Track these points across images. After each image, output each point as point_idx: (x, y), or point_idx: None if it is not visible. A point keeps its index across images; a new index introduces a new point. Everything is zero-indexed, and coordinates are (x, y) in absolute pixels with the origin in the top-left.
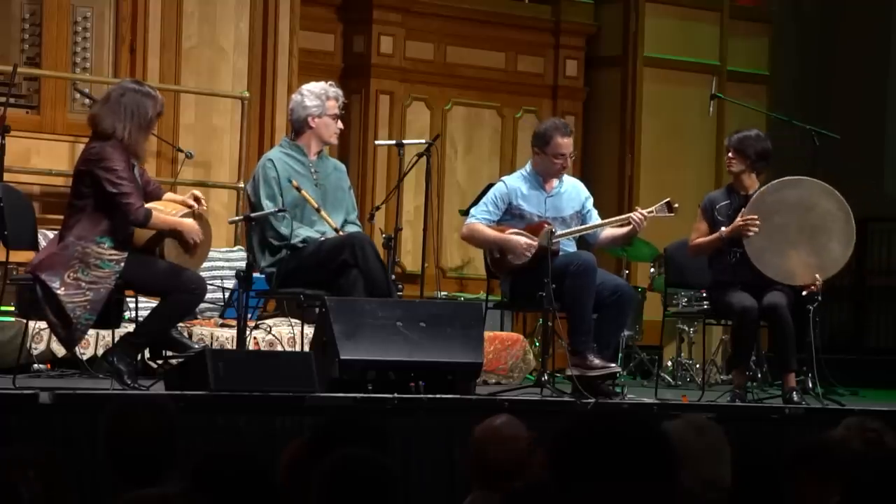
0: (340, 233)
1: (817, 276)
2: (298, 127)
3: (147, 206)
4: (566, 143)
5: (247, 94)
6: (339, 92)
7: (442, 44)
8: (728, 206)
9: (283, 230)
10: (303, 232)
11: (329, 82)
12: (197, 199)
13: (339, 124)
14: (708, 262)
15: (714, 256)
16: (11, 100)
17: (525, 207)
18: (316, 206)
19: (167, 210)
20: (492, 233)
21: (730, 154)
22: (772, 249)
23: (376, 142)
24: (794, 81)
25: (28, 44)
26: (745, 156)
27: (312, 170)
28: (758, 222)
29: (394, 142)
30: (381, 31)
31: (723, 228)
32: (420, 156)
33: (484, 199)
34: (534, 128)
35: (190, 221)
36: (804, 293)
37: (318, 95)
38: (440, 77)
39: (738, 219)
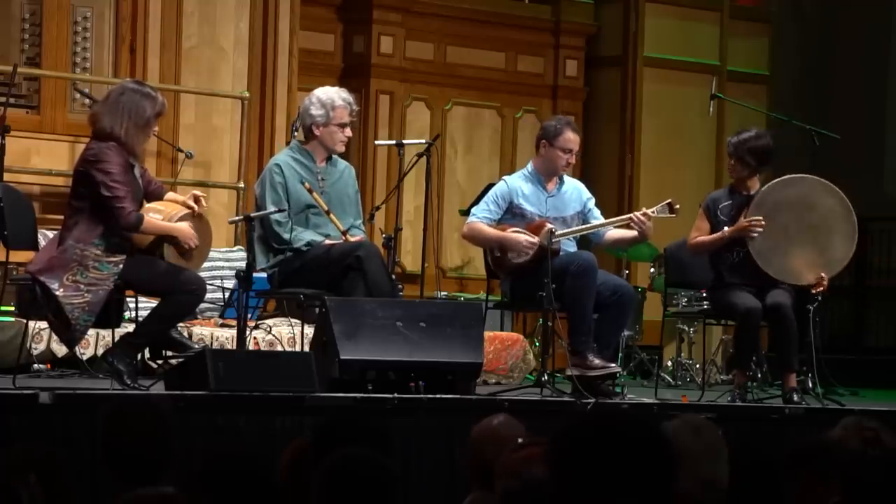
0: (347, 236)
1: (823, 274)
2: (306, 133)
3: (145, 206)
4: (575, 139)
5: (247, 94)
6: (350, 99)
7: (442, 44)
8: (730, 207)
9: (285, 235)
10: (306, 236)
11: (342, 89)
12: (197, 200)
13: (347, 132)
14: (710, 262)
15: (716, 256)
16: (11, 100)
17: (526, 207)
18: (326, 208)
19: (167, 210)
20: (493, 231)
21: (732, 161)
22: (775, 249)
23: (376, 142)
24: (794, 81)
25: (28, 44)
26: (745, 163)
27: (319, 177)
28: (763, 223)
29: (394, 142)
30: (381, 31)
31: (725, 228)
32: (420, 156)
33: (485, 199)
34: (537, 126)
35: (185, 226)
36: (813, 292)
37: (324, 104)
38: (440, 77)
39: (743, 219)
